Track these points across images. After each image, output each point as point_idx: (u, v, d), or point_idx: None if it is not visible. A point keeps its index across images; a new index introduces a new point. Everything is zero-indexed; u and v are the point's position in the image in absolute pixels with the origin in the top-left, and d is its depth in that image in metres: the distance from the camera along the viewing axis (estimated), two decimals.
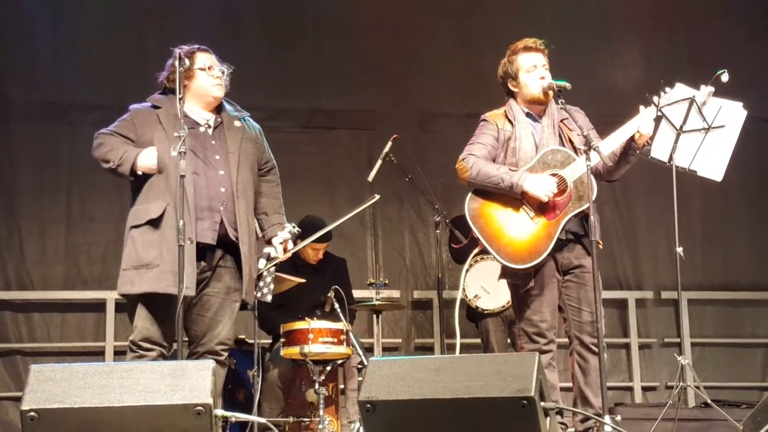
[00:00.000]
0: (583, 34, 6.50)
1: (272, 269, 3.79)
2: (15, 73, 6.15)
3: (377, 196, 4.38)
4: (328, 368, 4.68)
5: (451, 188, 5.22)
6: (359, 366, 4.66)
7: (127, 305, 3.70)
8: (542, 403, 2.65)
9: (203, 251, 3.63)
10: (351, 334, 4.68)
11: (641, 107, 3.76)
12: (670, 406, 3.77)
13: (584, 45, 6.43)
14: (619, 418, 3.52)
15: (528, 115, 3.85)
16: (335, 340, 4.61)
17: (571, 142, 3.80)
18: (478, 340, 5.35)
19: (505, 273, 3.80)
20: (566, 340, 3.81)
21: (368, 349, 5.15)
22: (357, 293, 5.40)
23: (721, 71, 3.79)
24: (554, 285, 3.73)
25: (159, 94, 3.81)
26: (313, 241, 5.10)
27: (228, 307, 3.70)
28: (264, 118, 6.39)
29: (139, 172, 3.60)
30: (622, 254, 6.59)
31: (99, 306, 5.99)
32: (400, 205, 6.42)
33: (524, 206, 3.72)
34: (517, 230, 3.70)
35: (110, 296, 5.88)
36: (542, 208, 3.70)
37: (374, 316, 5.12)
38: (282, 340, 4.72)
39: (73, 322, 6.06)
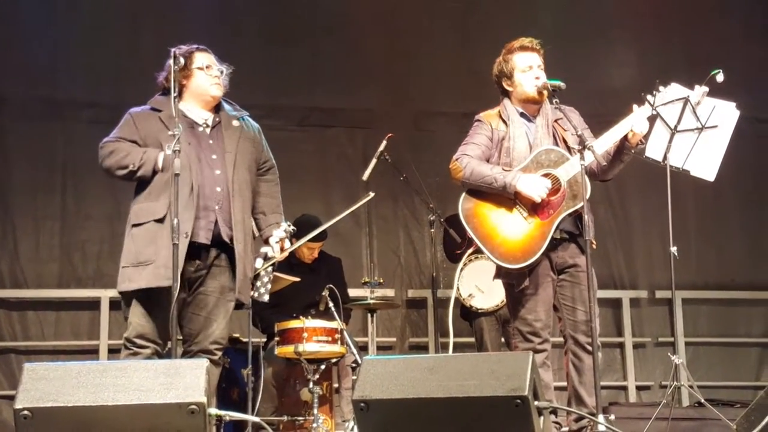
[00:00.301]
0: (580, 33, 6.50)
1: (269, 269, 3.78)
2: (9, 71, 6.13)
3: (372, 194, 4.38)
4: (323, 367, 4.68)
5: (445, 187, 5.21)
6: (353, 365, 4.66)
7: (122, 303, 3.69)
8: (536, 403, 2.65)
9: (198, 250, 3.63)
10: (345, 333, 4.68)
11: (635, 106, 3.76)
12: (664, 406, 3.78)
13: (580, 44, 6.44)
14: (613, 417, 3.52)
15: (522, 115, 3.85)
16: (329, 338, 4.61)
17: (565, 142, 3.81)
18: (472, 339, 5.36)
19: (500, 272, 3.80)
20: (561, 339, 3.82)
21: (363, 348, 5.15)
22: (351, 292, 5.39)
23: (716, 71, 3.79)
24: (549, 284, 3.73)
25: (159, 96, 3.81)
26: (309, 240, 5.10)
27: (223, 307, 3.70)
28: (260, 115, 6.38)
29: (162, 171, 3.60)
30: (616, 253, 6.60)
31: (93, 304, 5.98)
32: (394, 204, 6.42)
33: (518, 206, 3.72)
34: (511, 230, 3.71)
35: (105, 294, 5.88)
36: (536, 207, 3.70)
37: (369, 314, 5.12)
38: (276, 338, 4.71)
39: (67, 321, 6.05)
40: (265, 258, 3.77)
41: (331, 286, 4.74)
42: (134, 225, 3.63)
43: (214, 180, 3.67)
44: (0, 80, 6.12)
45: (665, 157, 3.96)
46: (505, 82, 3.87)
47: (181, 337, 3.66)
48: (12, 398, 2.75)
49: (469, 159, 3.76)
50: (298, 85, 6.44)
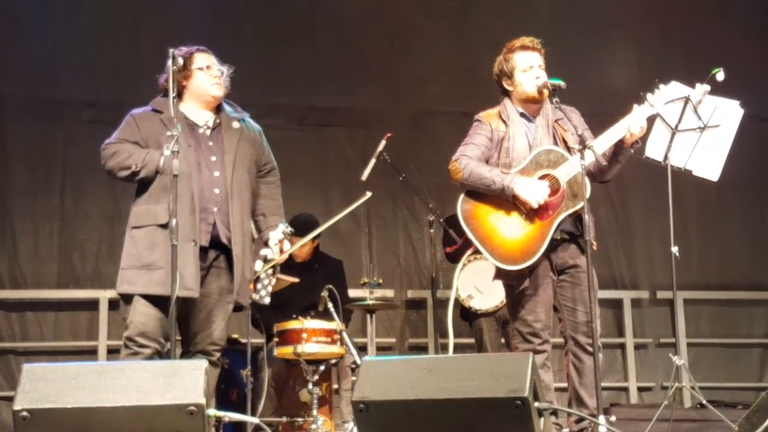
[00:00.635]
0: (579, 32, 6.49)
1: (269, 271, 3.77)
2: (8, 71, 6.12)
3: (369, 194, 4.37)
4: (322, 368, 4.67)
5: (445, 187, 5.20)
6: (353, 366, 4.65)
7: (120, 303, 3.68)
8: (536, 404, 2.64)
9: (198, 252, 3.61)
10: (344, 334, 4.66)
11: (635, 106, 3.75)
12: (666, 407, 3.77)
13: (579, 44, 6.43)
14: (614, 418, 3.51)
15: (522, 115, 3.83)
16: (329, 339, 4.60)
17: (565, 142, 3.79)
18: (472, 340, 5.34)
19: (500, 273, 3.79)
20: (561, 340, 3.81)
21: (362, 349, 5.13)
22: (351, 292, 5.38)
23: (717, 70, 3.78)
24: (549, 285, 3.71)
25: (161, 97, 3.79)
26: (294, 237, 5.08)
27: (222, 308, 3.69)
28: (259, 115, 6.36)
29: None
30: (617, 254, 6.59)
31: (92, 305, 5.97)
32: (394, 204, 6.42)
33: (517, 207, 3.71)
34: (510, 231, 3.69)
35: (103, 295, 5.87)
36: (535, 208, 3.68)
37: (368, 315, 5.11)
38: (275, 339, 4.70)
39: (66, 321, 6.05)
40: (265, 260, 3.76)
41: (330, 286, 4.72)
42: (135, 227, 3.63)
43: (213, 182, 3.66)
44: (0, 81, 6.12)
45: (666, 157, 3.95)
46: (505, 81, 3.86)
47: (179, 338, 3.65)
48: (11, 399, 2.75)
49: (468, 160, 3.75)
50: (298, 85, 6.43)
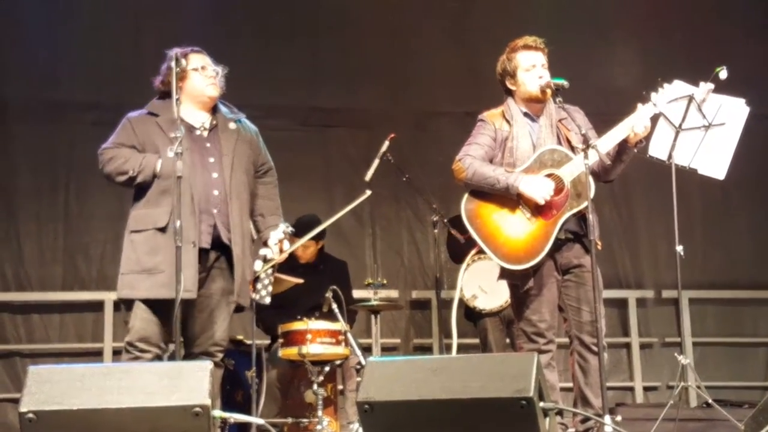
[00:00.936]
0: (581, 32, 6.48)
1: (269, 271, 3.77)
2: (12, 73, 6.14)
3: (369, 192, 4.35)
4: (327, 369, 4.67)
5: (448, 188, 5.20)
6: (358, 366, 4.65)
7: (123, 308, 3.69)
8: (541, 404, 2.64)
9: (199, 254, 3.62)
10: (349, 335, 4.66)
11: (639, 105, 3.74)
12: (672, 406, 3.76)
13: (582, 43, 6.42)
14: (619, 418, 3.50)
15: (526, 114, 3.83)
16: (333, 340, 4.60)
17: (569, 142, 3.79)
18: (477, 340, 5.34)
19: (504, 273, 3.78)
20: (567, 340, 3.80)
21: (366, 350, 5.14)
22: (355, 293, 5.38)
23: (720, 68, 3.78)
24: (553, 285, 3.71)
25: (157, 100, 3.80)
26: (296, 237, 5.09)
27: (223, 309, 3.69)
28: (261, 116, 6.37)
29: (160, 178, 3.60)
30: (622, 253, 6.58)
31: (97, 306, 5.98)
32: (397, 205, 6.41)
33: (521, 206, 3.70)
34: (514, 230, 3.69)
35: (108, 297, 5.87)
36: (539, 208, 3.68)
37: (372, 316, 5.11)
38: (280, 340, 4.71)
39: (71, 323, 6.05)
40: (265, 260, 3.76)
41: (334, 287, 4.73)
42: (134, 231, 3.63)
43: (212, 183, 3.66)
44: (3, 83, 6.13)
45: (670, 156, 3.94)
46: (508, 80, 3.86)
47: (182, 340, 3.65)
48: (17, 401, 2.75)
49: (472, 159, 3.75)
50: (300, 86, 6.43)
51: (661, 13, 6.69)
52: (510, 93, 3.88)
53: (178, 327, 3.38)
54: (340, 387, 5.09)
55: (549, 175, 3.69)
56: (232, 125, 3.81)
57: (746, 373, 6.48)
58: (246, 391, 4.85)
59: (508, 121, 3.81)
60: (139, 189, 3.67)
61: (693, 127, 3.89)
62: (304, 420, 4.74)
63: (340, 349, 4.63)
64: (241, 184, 3.73)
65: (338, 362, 4.83)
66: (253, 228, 3.85)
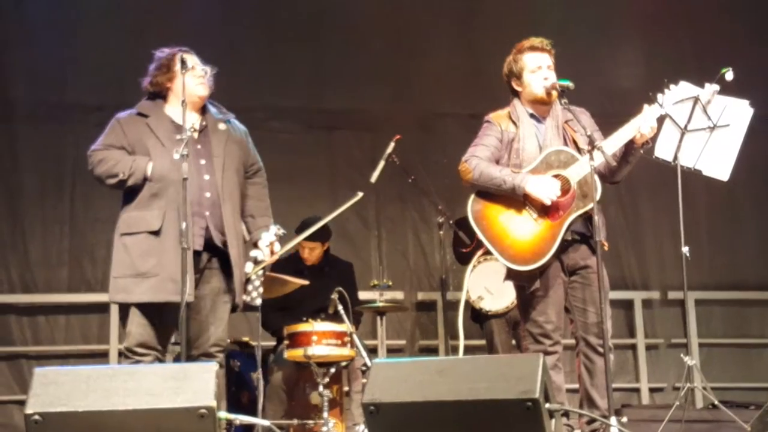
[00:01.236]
0: (587, 33, 6.48)
1: (260, 272, 3.75)
2: (18, 75, 6.17)
3: (361, 194, 4.32)
4: (332, 370, 4.67)
5: (454, 189, 5.21)
6: (363, 368, 4.65)
7: (119, 312, 3.68)
8: (547, 405, 2.63)
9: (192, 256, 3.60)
10: (355, 336, 4.66)
11: (645, 106, 3.74)
12: (678, 408, 3.75)
13: (587, 44, 6.41)
14: (625, 419, 3.50)
15: (532, 116, 3.83)
16: (339, 342, 4.60)
17: (575, 143, 3.78)
18: (483, 342, 5.33)
19: (510, 274, 3.78)
20: (573, 341, 3.79)
21: (372, 351, 5.14)
22: (361, 295, 5.38)
23: (726, 69, 3.77)
24: (560, 286, 3.70)
25: (146, 100, 3.79)
26: (305, 240, 5.09)
27: (218, 309, 3.67)
28: (266, 118, 6.41)
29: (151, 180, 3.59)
30: (628, 254, 6.57)
31: (103, 308, 5.99)
32: (403, 207, 6.41)
33: (528, 207, 3.70)
34: (521, 231, 3.68)
35: None
36: (546, 208, 3.68)
37: (378, 317, 5.11)
38: (286, 342, 4.71)
39: (77, 325, 6.07)
40: (255, 262, 3.73)
41: (340, 289, 4.73)
42: (125, 234, 3.61)
43: (204, 185, 3.64)
44: (8, 85, 6.15)
45: (675, 157, 3.93)
46: (514, 82, 3.86)
47: (179, 342, 3.65)
48: (23, 403, 2.75)
49: (478, 160, 3.75)
50: (305, 88, 6.44)
51: (667, 15, 6.68)
52: (516, 94, 3.88)
53: (185, 329, 3.39)
54: (345, 388, 5.08)
55: (555, 176, 3.69)
56: (221, 126, 3.78)
57: (752, 375, 6.46)
58: (251, 393, 4.86)
59: (514, 123, 3.81)
60: (129, 191, 3.64)
61: (698, 128, 3.89)
62: (310, 422, 4.74)
63: (346, 351, 4.63)
64: (233, 186, 3.72)
65: (344, 364, 4.83)
66: (244, 229, 3.82)
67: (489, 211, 3.75)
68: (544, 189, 3.63)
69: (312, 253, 5.25)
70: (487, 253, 4.93)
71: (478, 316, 5.29)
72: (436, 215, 5.43)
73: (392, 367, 2.80)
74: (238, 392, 5.02)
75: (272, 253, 3.77)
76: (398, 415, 2.71)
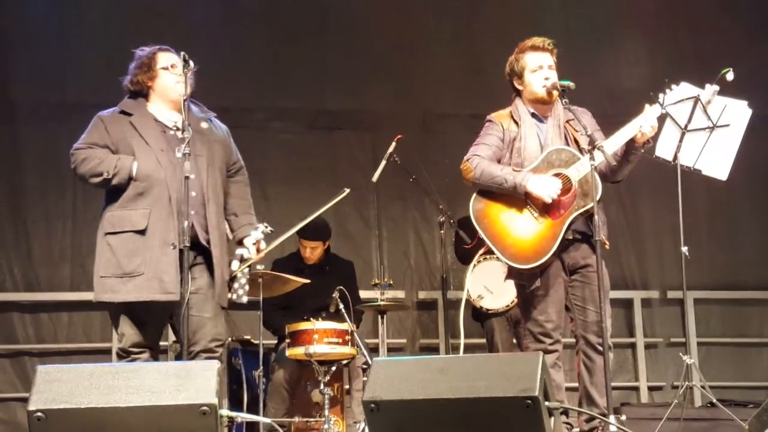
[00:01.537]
0: (588, 33, 6.49)
1: (246, 270, 3.76)
2: (20, 75, 6.17)
3: (347, 190, 4.31)
4: (333, 368, 4.69)
5: (455, 189, 5.22)
6: (364, 366, 4.67)
7: (110, 311, 3.68)
8: (546, 403, 2.65)
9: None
10: (355, 335, 4.68)
11: (647, 106, 3.75)
12: (676, 406, 3.76)
13: (589, 44, 6.42)
14: (624, 417, 3.52)
15: (533, 115, 3.85)
16: (340, 340, 4.62)
17: (577, 143, 3.80)
18: (484, 340, 5.35)
19: (511, 273, 3.80)
20: (573, 339, 3.81)
21: (373, 350, 5.15)
22: (362, 294, 5.40)
23: (726, 70, 3.78)
24: (560, 285, 3.72)
25: (128, 98, 3.77)
26: (304, 239, 5.11)
27: (209, 304, 3.64)
28: (267, 118, 6.42)
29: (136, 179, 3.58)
30: (627, 254, 6.58)
31: (105, 306, 5.99)
32: (404, 206, 6.42)
33: (529, 206, 3.72)
34: (522, 230, 3.70)
35: None
36: (547, 207, 3.70)
37: (379, 316, 5.12)
38: (287, 340, 4.73)
39: (79, 323, 6.08)
40: (241, 260, 3.73)
41: (341, 287, 4.75)
42: (109, 233, 3.59)
43: (189, 184, 3.58)
44: (11, 85, 6.16)
45: (675, 157, 3.95)
46: (516, 81, 3.87)
47: (175, 341, 3.66)
48: (26, 400, 2.77)
49: (480, 159, 3.76)
50: (307, 88, 6.44)
51: (668, 15, 6.68)
52: (518, 93, 3.90)
53: (186, 326, 3.38)
54: (346, 386, 5.10)
55: (557, 175, 3.70)
56: (203, 125, 3.77)
57: (751, 373, 6.47)
58: (253, 391, 4.88)
59: (516, 122, 3.82)
60: (112, 190, 3.63)
61: (698, 128, 3.90)
62: (311, 419, 4.76)
63: (347, 349, 4.65)
64: (216, 185, 3.72)
65: (345, 362, 4.85)
66: (227, 227, 3.82)
67: (490, 210, 3.77)
68: (545, 187, 3.65)
69: (313, 252, 5.27)
70: (488, 252, 4.96)
71: (478, 315, 5.31)
72: (437, 214, 5.44)
73: (393, 366, 2.82)
74: (239, 390, 5.03)
75: (258, 251, 3.77)
76: (399, 412, 2.72)
